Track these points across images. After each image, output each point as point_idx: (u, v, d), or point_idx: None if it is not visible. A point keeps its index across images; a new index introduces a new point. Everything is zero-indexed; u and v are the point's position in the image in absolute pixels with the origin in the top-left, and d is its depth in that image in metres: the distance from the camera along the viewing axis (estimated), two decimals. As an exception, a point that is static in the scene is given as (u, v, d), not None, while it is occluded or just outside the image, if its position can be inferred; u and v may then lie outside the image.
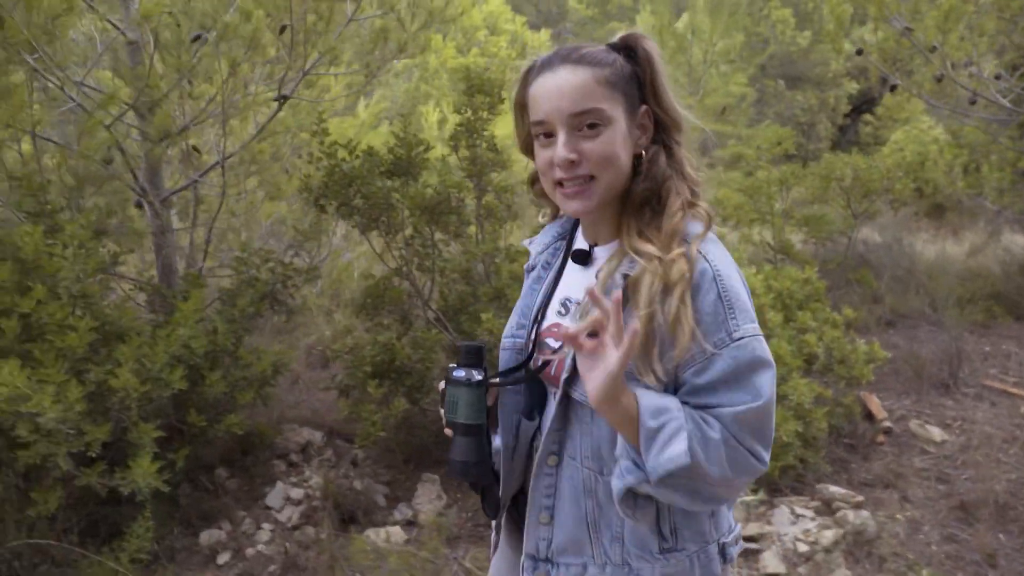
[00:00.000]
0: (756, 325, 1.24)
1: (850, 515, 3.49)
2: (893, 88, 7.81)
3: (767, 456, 1.25)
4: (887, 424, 4.60)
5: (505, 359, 1.45)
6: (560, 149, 1.24)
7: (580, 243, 1.44)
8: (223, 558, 3.44)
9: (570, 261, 1.44)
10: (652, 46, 1.31)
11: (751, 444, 1.22)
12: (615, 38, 1.33)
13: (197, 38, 3.55)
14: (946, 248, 7.97)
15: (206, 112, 3.96)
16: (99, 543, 3.14)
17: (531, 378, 1.41)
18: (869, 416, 4.65)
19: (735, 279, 1.26)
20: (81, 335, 2.94)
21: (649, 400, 1.20)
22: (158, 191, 4.04)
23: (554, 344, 1.39)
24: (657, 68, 1.30)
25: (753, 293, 4.00)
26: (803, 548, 3.33)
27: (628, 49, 1.31)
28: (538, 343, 1.41)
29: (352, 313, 4.81)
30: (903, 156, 7.61)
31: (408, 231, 4.07)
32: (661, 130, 1.32)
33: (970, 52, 5.40)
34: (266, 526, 3.66)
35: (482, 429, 1.36)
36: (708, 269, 1.22)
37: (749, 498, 3.61)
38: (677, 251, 1.22)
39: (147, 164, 3.96)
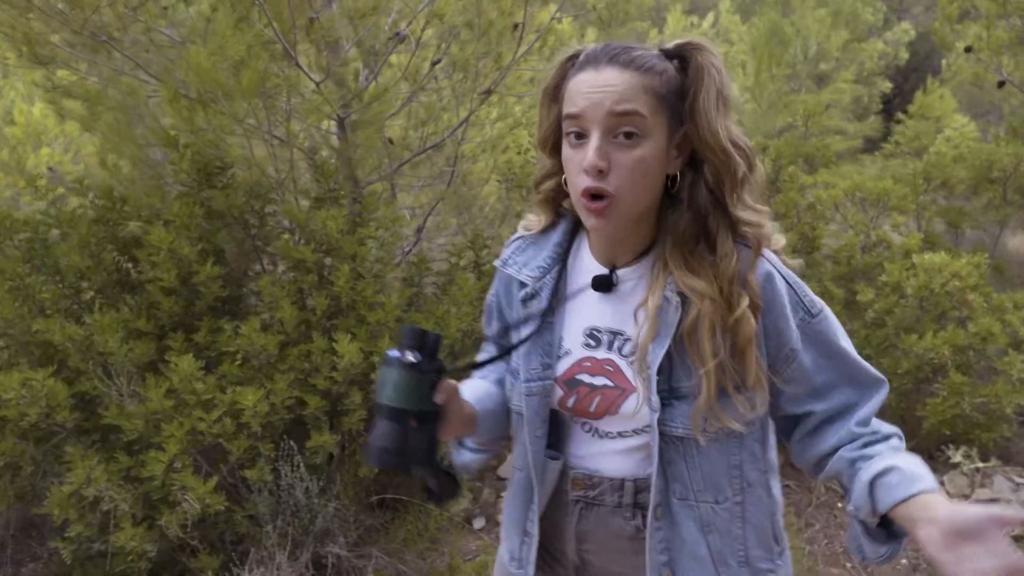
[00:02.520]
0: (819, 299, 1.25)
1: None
2: (1001, 84, 8.01)
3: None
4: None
5: (534, 406, 1.30)
6: (591, 154, 1.12)
7: (589, 264, 1.30)
8: (478, 523, 3.67)
9: (585, 288, 1.29)
10: (709, 59, 1.16)
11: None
12: (671, 44, 1.19)
13: (396, 35, 3.74)
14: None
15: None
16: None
17: (503, 355, 1.33)
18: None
19: (788, 270, 1.23)
20: (388, 310, 3.18)
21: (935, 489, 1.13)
22: (357, 182, 4.28)
23: (592, 380, 1.27)
24: (705, 85, 1.15)
25: (956, 276, 4.21)
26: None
27: (682, 59, 1.18)
28: (568, 381, 1.29)
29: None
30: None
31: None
32: (700, 154, 1.18)
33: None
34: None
35: (407, 417, 1.19)
36: (769, 268, 1.19)
37: (969, 465, 3.80)
38: (744, 302, 1.15)
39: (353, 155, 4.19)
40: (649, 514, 1.25)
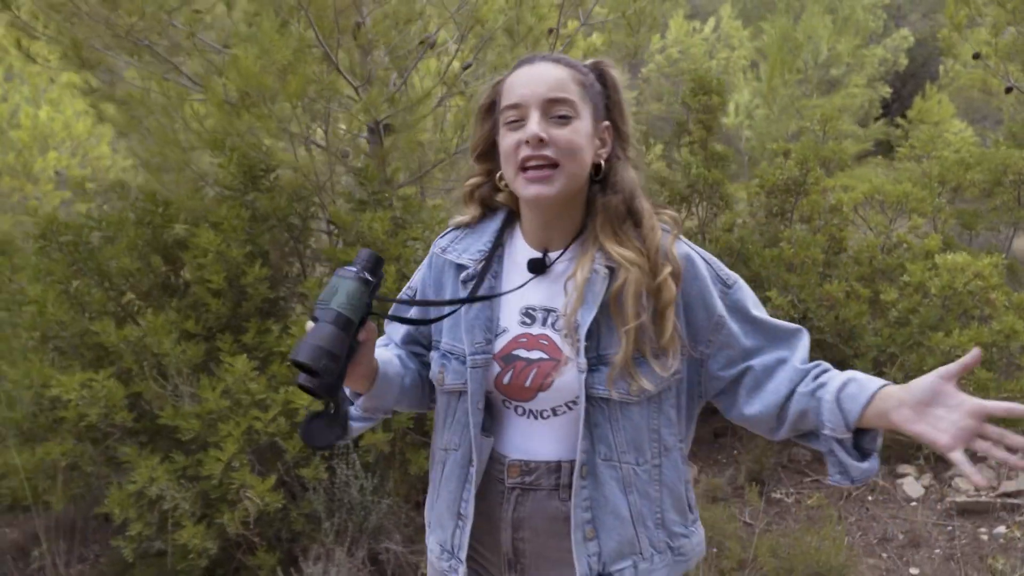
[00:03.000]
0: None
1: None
2: (1009, 90, 8.10)
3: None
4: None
5: (477, 378, 1.35)
6: (532, 125, 1.26)
7: (523, 250, 1.41)
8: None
9: (518, 270, 1.39)
10: (618, 75, 1.39)
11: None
12: (587, 62, 1.39)
13: (425, 41, 3.80)
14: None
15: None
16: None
17: (429, 320, 1.41)
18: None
19: (703, 251, 1.39)
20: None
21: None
22: (390, 184, 4.33)
23: (528, 354, 1.34)
24: (622, 95, 1.38)
25: (978, 276, 4.28)
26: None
27: (599, 73, 1.37)
28: (505, 357, 1.35)
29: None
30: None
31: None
32: (621, 148, 1.38)
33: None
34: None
35: (351, 329, 1.20)
36: (687, 250, 1.34)
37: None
38: (667, 270, 1.28)
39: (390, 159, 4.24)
40: (575, 472, 1.31)
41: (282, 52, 3.24)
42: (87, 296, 3.25)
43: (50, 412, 2.95)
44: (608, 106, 1.37)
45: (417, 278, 1.51)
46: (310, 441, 1.24)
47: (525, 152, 1.27)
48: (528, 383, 1.33)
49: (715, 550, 3.24)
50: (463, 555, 1.38)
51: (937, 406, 1.18)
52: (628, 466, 1.32)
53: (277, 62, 3.23)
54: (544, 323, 1.34)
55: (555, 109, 1.27)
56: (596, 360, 1.30)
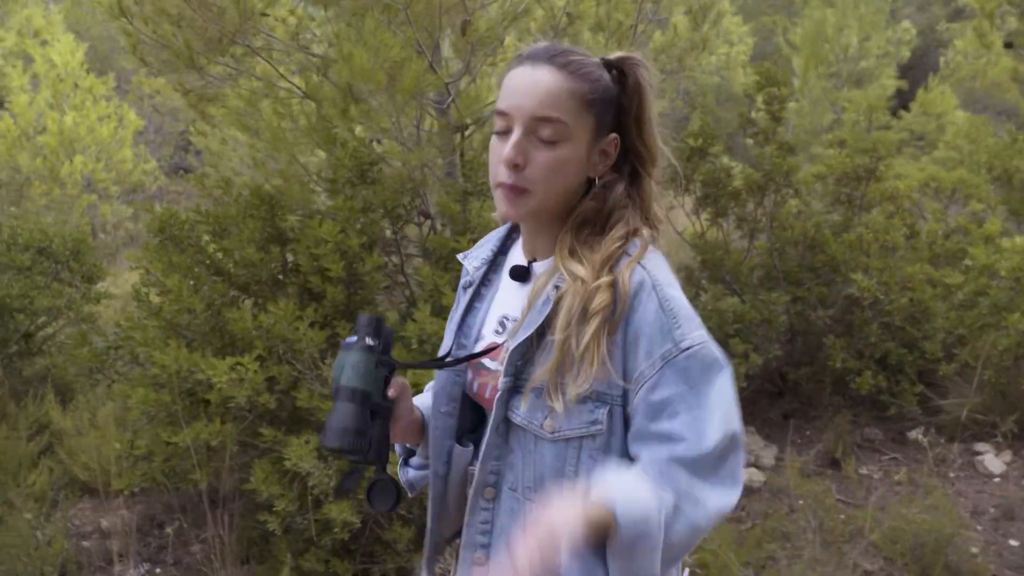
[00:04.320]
0: (703, 331, 1.16)
1: None
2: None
3: (737, 486, 1.14)
4: None
5: (442, 379, 1.32)
6: (509, 148, 1.16)
7: (519, 258, 1.33)
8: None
9: (508, 278, 1.33)
10: (646, 75, 1.23)
11: (716, 487, 1.12)
12: (612, 56, 1.24)
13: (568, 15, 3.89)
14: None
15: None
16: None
17: (439, 365, 1.31)
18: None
19: (674, 287, 1.18)
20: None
21: (629, 511, 1.05)
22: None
23: (491, 364, 1.29)
24: (645, 100, 1.22)
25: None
26: None
27: (620, 72, 1.23)
28: (475, 364, 1.31)
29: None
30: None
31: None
32: (631, 161, 1.25)
33: None
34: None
35: (367, 399, 1.21)
36: (646, 279, 1.15)
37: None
38: (605, 279, 1.14)
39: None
40: (472, 489, 1.24)
41: (393, 49, 3.37)
42: (209, 286, 3.39)
43: (189, 396, 3.09)
44: (621, 114, 1.22)
45: (456, 298, 1.46)
46: (374, 507, 1.30)
47: (501, 175, 1.18)
48: (487, 395, 1.27)
49: (816, 524, 3.37)
50: (423, 565, 1.40)
51: None
52: (531, 504, 1.19)
53: (389, 59, 3.36)
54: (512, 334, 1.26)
55: (541, 129, 1.16)
56: (517, 381, 1.20)
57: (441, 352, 1.36)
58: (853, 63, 8.92)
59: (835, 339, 4.36)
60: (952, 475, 4.01)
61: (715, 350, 1.15)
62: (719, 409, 1.12)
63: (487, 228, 3.42)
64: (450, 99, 3.81)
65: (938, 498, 3.18)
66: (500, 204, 1.21)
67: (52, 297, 5.12)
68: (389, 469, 1.31)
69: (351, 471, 1.31)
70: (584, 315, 1.13)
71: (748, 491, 3.83)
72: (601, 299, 1.12)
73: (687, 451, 1.10)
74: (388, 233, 3.72)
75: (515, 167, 1.16)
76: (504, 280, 1.35)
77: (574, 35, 3.86)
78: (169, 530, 3.35)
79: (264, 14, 3.87)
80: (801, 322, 4.59)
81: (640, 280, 1.14)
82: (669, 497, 1.08)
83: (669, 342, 1.12)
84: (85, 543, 3.83)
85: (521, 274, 1.29)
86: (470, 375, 1.32)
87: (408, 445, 1.43)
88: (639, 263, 1.16)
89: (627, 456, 1.17)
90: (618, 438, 1.17)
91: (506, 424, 1.21)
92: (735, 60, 18.16)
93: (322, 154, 3.95)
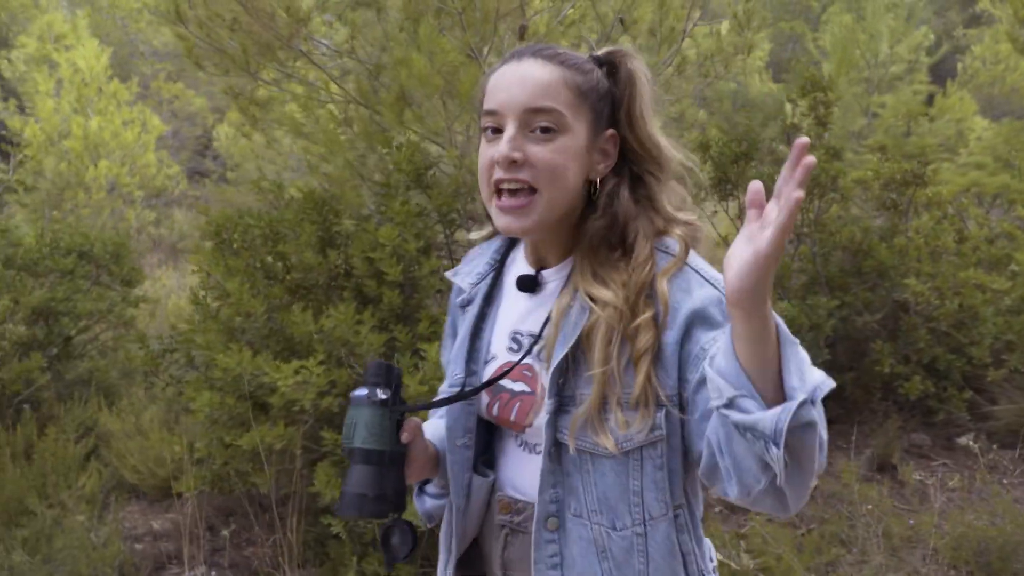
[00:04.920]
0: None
1: None
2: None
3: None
4: None
5: (455, 412, 1.25)
6: (504, 144, 1.08)
7: (522, 267, 1.26)
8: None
9: (513, 290, 1.25)
10: (639, 67, 1.16)
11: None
12: (601, 51, 1.18)
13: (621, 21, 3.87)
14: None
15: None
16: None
17: (460, 398, 1.22)
18: None
19: (707, 264, 1.15)
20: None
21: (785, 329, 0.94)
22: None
23: (512, 386, 1.21)
24: (639, 92, 1.15)
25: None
26: None
27: (611, 66, 1.16)
28: (492, 386, 1.22)
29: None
30: None
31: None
32: (630, 161, 1.17)
33: None
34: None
35: (384, 458, 1.15)
36: (679, 274, 1.10)
37: None
38: (644, 316, 1.07)
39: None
40: (537, 521, 1.16)
41: (450, 54, 3.38)
42: (265, 290, 3.40)
43: (249, 399, 3.09)
44: (615, 109, 1.15)
45: (448, 321, 1.40)
46: (390, 555, 1.24)
47: (498, 174, 1.09)
48: (513, 417, 1.20)
49: (881, 529, 3.34)
50: None
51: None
52: (601, 528, 1.13)
53: (447, 63, 3.37)
54: (530, 351, 1.19)
55: (537, 120, 1.08)
56: (562, 401, 1.13)
57: (449, 381, 1.28)
58: (884, 68, 8.92)
59: (882, 344, 4.34)
60: (1006, 482, 3.98)
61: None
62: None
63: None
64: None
65: (1002, 504, 3.15)
66: (501, 218, 1.12)
67: (94, 300, 5.15)
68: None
69: (386, 533, 1.24)
70: (623, 343, 1.07)
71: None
72: (645, 339, 1.06)
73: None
74: (440, 237, 3.72)
75: (512, 163, 1.08)
76: (508, 293, 1.27)
77: (630, 40, 3.86)
78: (225, 533, 3.35)
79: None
80: (844, 327, 4.57)
81: (675, 282, 1.09)
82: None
83: (721, 304, 1.06)
84: (138, 545, 3.85)
85: (529, 284, 1.21)
86: (486, 400, 1.24)
87: (422, 479, 1.36)
88: (669, 275, 1.09)
89: (689, 456, 1.12)
90: (678, 439, 1.11)
91: (557, 448, 1.14)
92: (751, 66, 18.15)
93: (372, 159, 3.96)
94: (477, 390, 1.22)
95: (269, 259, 3.54)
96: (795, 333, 0.94)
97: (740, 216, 4.78)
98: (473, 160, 3.61)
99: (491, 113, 1.11)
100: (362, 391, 1.17)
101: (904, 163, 4.44)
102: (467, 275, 1.32)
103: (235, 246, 3.58)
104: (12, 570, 3.30)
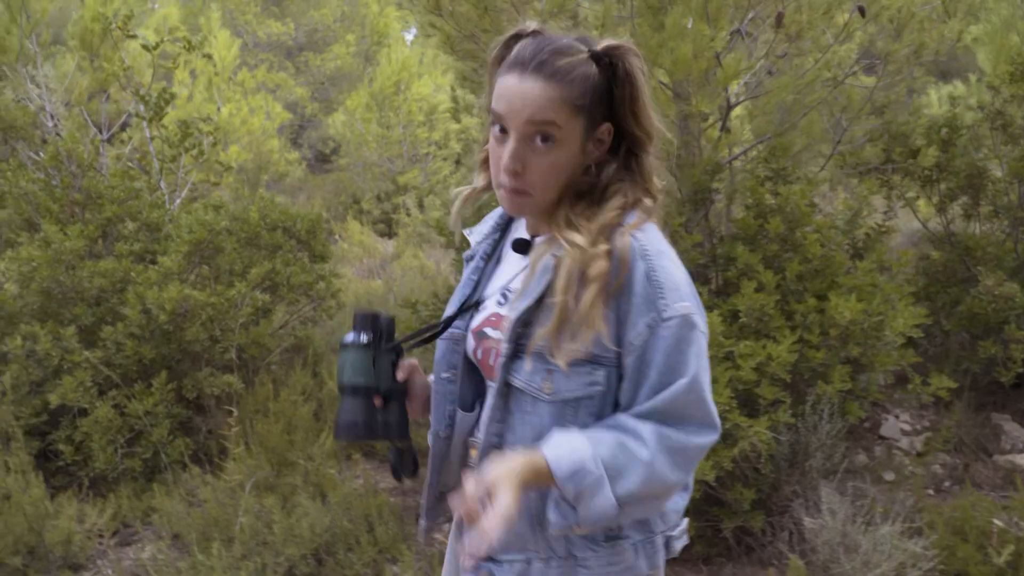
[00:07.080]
0: (689, 302, 1.23)
1: None
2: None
3: (712, 427, 1.25)
4: None
5: (443, 348, 1.43)
6: (507, 158, 1.24)
7: (521, 232, 1.43)
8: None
9: (510, 251, 1.42)
10: (636, 64, 1.26)
11: (688, 429, 1.22)
12: (599, 46, 1.27)
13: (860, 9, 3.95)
14: None
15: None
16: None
17: (434, 337, 1.43)
18: None
19: (666, 257, 1.25)
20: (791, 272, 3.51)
21: (561, 463, 1.18)
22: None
23: (494, 333, 1.35)
24: (638, 87, 1.26)
25: None
26: None
27: (610, 62, 1.26)
28: (478, 333, 1.39)
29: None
30: None
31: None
32: (627, 144, 1.30)
33: None
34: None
35: (370, 392, 1.35)
36: (638, 248, 1.22)
37: None
38: (602, 247, 1.21)
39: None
40: (478, 452, 1.34)
41: (716, 40, 3.55)
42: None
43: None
44: (614, 104, 1.27)
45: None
46: (398, 475, 1.46)
47: (504, 180, 1.26)
48: (491, 362, 1.34)
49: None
50: (424, 519, 1.52)
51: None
52: None
53: (711, 49, 3.55)
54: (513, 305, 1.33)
55: (536, 133, 1.23)
56: (518, 349, 1.28)
57: (442, 320, 1.46)
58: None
59: None
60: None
61: (696, 320, 1.23)
62: (688, 373, 1.21)
63: (800, 211, 3.59)
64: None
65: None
66: (503, 203, 1.31)
67: (306, 272, 5.50)
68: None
69: (396, 455, 1.46)
70: (582, 279, 1.20)
71: (1009, 476, 3.87)
72: (599, 266, 1.19)
73: (656, 404, 1.21)
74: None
75: (514, 174, 1.25)
76: (507, 253, 1.43)
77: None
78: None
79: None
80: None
81: (633, 249, 1.21)
82: (635, 445, 1.20)
83: (653, 311, 1.20)
84: (392, 499, 4.14)
85: (523, 247, 1.38)
86: (473, 344, 1.40)
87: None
88: (632, 233, 1.23)
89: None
90: (613, 397, 1.27)
91: (507, 388, 1.29)
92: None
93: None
94: (449, 321, 1.42)
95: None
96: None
97: (943, 203, 4.83)
98: (728, 139, 3.78)
99: (499, 115, 1.25)
100: (349, 336, 1.37)
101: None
102: (477, 234, 1.50)
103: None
104: (300, 513, 3.61)
